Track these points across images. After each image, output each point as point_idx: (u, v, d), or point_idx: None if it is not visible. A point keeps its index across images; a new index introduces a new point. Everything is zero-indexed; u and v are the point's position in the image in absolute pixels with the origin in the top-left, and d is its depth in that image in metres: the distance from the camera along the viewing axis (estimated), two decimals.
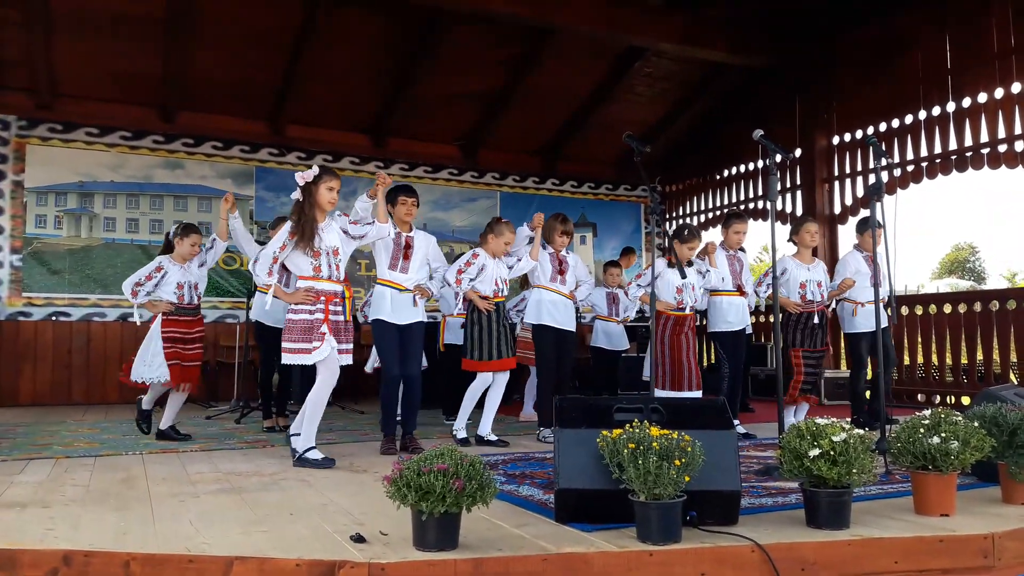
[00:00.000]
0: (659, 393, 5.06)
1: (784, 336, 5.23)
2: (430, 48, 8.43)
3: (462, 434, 5.06)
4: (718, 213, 10.49)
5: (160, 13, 7.49)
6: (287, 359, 4.10)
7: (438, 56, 8.52)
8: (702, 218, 10.84)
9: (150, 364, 5.06)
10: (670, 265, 5.29)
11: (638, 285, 5.43)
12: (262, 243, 5.90)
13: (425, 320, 4.90)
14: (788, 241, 5.62)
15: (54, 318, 8.23)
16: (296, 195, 4.16)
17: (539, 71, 9.06)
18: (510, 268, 5.26)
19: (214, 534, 2.55)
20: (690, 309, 5.33)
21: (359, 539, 2.39)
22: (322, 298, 4.09)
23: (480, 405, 5.17)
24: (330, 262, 4.16)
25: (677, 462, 2.31)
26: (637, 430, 2.42)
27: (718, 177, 10.58)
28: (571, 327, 5.46)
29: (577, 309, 5.82)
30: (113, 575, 2.26)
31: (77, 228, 8.41)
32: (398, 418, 4.81)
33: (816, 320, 5.28)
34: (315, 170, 4.14)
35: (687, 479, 2.34)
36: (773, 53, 8.87)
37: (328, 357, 4.05)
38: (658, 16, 8.18)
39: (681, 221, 11.18)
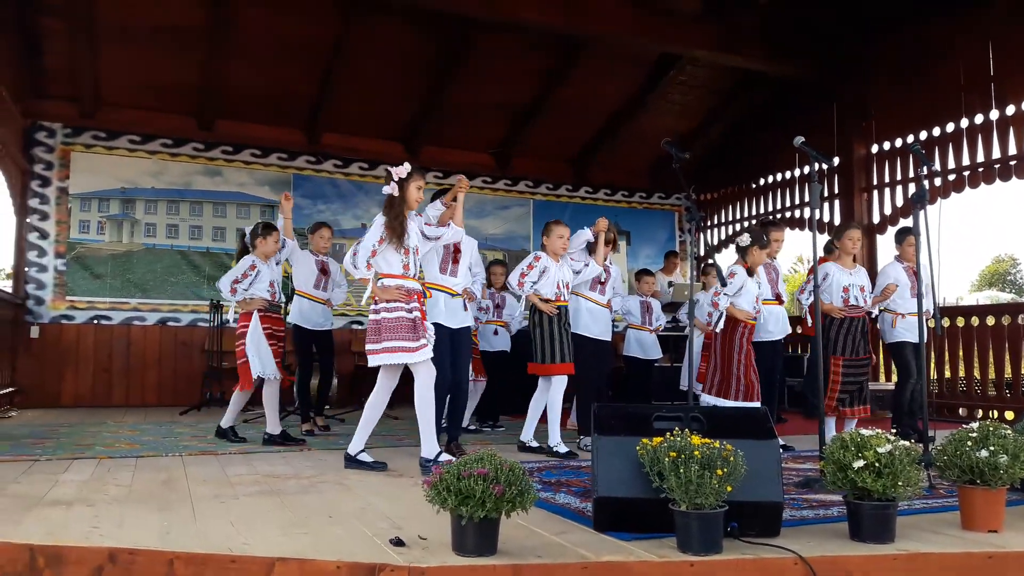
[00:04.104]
0: (725, 402, 4.98)
1: (826, 343, 5.12)
2: (462, 58, 8.50)
3: (534, 444, 5.04)
4: (752, 222, 10.40)
5: (199, 24, 7.64)
6: (382, 359, 3.98)
7: (470, 66, 8.58)
8: (736, 227, 10.75)
9: (265, 361, 5.18)
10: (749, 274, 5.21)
11: (725, 295, 5.30)
12: (305, 249, 6.05)
13: (473, 325, 4.92)
14: (827, 247, 5.51)
15: (96, 322, 8.39)
16: (390, 190, 4.10)
17: (571, 80, 9.08)
18: (577, 273, 5.24)
19: (255, 535, 2.58)
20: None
21: (398, 543, 2.40)
22: (414, 296, 4.10)
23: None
24: (415, 260, 4.19)
25: (719, 472, 2.29)
26: (678, 438, 2.40)
27: (752, 186, 10.48)
28: (608, 337, 5.45)
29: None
30: (157, 573, 2.29)
31: (119, 233, 8.58)
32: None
33: (859, 326, 5.18)
34: (407, 167, 4.11)
35: (728, 489, 2.31)
36: (808, 61, 8.77)
37: (428, 356, 4.08)
38: (691, 24, 8.15)
39: (716, 230, 11.11)
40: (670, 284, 8.52)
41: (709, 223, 11.19)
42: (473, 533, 2.26)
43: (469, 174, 9.99)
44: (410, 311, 4.03)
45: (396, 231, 4.04)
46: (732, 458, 2.35)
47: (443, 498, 2.26)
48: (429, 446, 4.11)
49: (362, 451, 4.21)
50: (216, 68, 8.15)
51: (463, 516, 2.22)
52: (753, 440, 2.56)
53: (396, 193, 4.08)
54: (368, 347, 4.05)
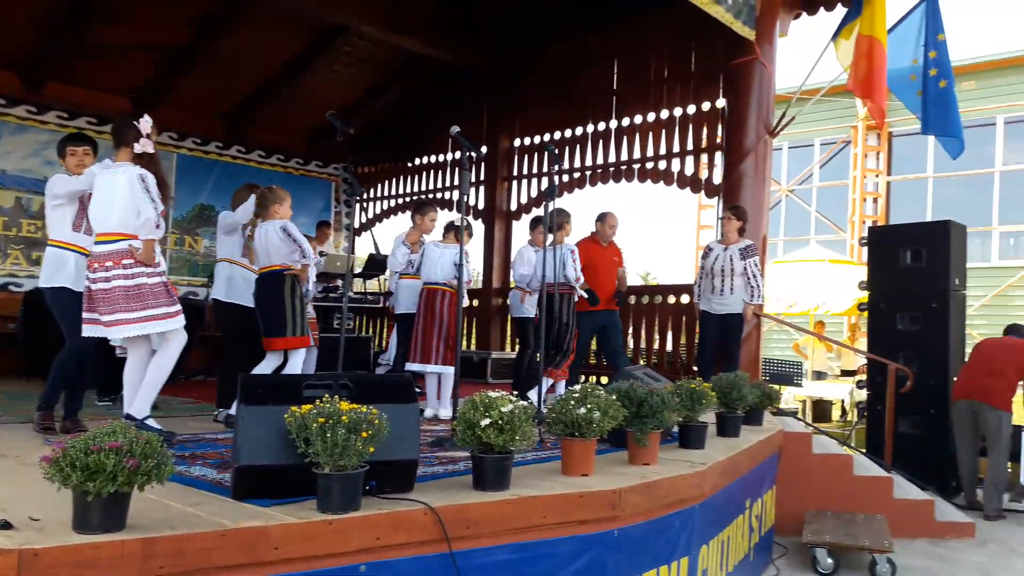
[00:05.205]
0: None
1: (572, 319, 5.92)
2: None
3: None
4: (407, 200, 10.82)
5: None
6: (159, 326, 3.79)
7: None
8: (392, 203, 11.10)
9: None
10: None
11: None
12: None
13: None
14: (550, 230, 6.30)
15: None
16: (143, 148, 3.84)
17: (232, 33, 8.60)
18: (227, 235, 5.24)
19: None
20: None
21: (5, 526, 2.14)
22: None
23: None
24: None
25: (364, 434, 2.41)
26: (327, 405, 2.48)
27: (409, 165, 10.90)
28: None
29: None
30: None
31: None
32: None
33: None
34: (149, 119, 3.88)
35: (371, 450, 2.45)
36: (470, 52, 9.37)
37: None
38: None
39: (371, 204, 11.33)
40: (322, 254, 8.52)
41: (365, 196, 11.40)
42: (99, 509, 2.10)
43: (102, 119, 9.07)
44: (161, 275, 3.86)
45: (165, 191, 3.88)
46: (378, 421, 2.50)
47: (66, 475, 2.07)
48: (142, 406, 3.86)
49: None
50: None
51: (89, 492, 2.06)
52: (396, 404, 2.74)
53: (152, 150, 3.88)
54: (124, 316, 3.74)
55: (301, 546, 2.31)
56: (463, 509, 2.59)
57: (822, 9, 7.54)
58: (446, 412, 5.21)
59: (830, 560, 5.10)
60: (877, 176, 16.01)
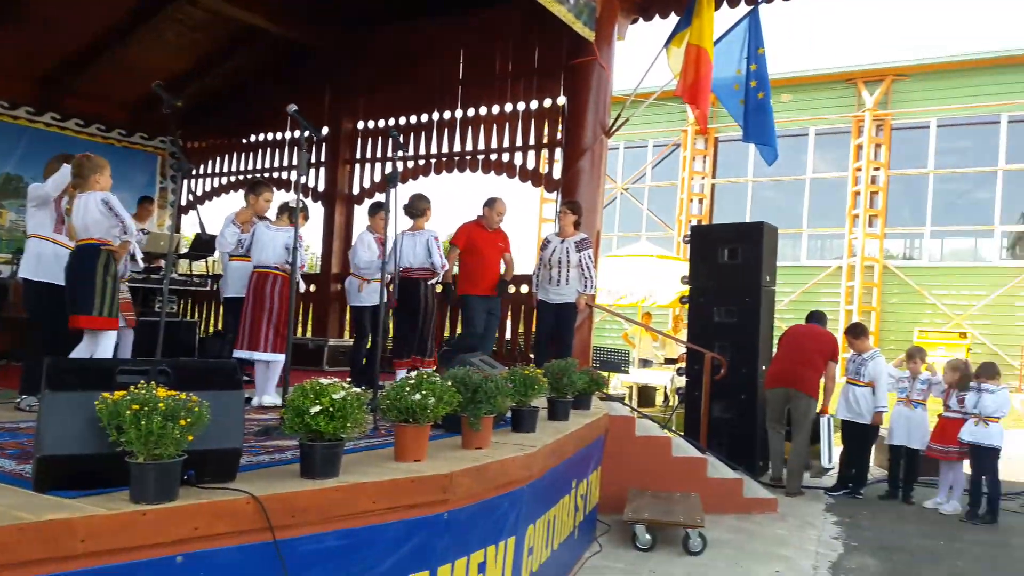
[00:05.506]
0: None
1: (433, 304, 6.25)
2: None
3: None
4: (241, 178, 10.35)
5: None
6: None
7: None
8: (223, 181, 10.57)
9: None
10: None
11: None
12: None
13: None
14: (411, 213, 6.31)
15: None
16: None
17: None
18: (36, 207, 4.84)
19: None
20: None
21: None
22: None
23: None
24: None
25: (183, 422, 2.31)
26: (143, 391, 2.35)
27: (243, 141, 10.43)
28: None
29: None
30: None
31: None
32: None
33: None
34: None
35: (190, 438, 2.35)
36: (312, 29, 9.09)
37: None
38: None
39: (201, 181, 10.74)
40: (144, 232, 7.98)
41: (194, 172, 10.78)
42: None
43: None
44: None
45: None
46: (197, 408, 2.39)
47: None
48: None
49: None
50: None
51: None
52: (219, 391, 2.64)
53: None
54: None
55: (111, 538, 2.19)
56: (289, 497, 2.54)
57: (657, 16, 7.97)
58: (275, 400, 5.06)
59: (648, 536, 5.45)
60: (703, 178, 17.11)
